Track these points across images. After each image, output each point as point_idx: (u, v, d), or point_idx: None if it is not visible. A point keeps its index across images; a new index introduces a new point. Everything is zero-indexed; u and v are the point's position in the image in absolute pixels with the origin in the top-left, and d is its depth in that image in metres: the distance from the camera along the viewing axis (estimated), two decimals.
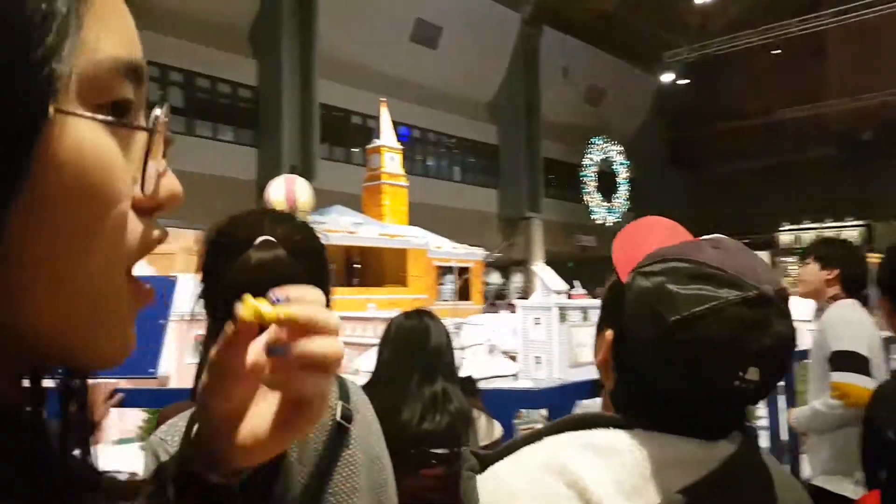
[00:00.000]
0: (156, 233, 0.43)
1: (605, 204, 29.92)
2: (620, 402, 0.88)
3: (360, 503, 1.11)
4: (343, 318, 11.83)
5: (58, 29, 0.32)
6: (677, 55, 28.64)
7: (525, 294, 19.07)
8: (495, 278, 23.34)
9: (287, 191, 13.81)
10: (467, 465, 0.84)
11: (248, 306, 0.48)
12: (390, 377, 1.94)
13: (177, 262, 11.70)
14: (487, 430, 1.97)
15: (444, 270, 17.87)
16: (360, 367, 9.44)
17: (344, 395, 1.16)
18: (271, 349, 0.48)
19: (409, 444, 1.80)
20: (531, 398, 2.81)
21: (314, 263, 1.10)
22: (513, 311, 11.11)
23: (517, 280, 25.19)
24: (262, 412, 0.50)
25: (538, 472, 0.77)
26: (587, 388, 2.29)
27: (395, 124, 19.02)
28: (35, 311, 0.35)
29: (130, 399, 2.11)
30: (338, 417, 1.11)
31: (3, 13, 0.29)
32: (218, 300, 1.04)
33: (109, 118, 0.36)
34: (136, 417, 5.77)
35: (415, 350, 1.95)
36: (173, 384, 7.47)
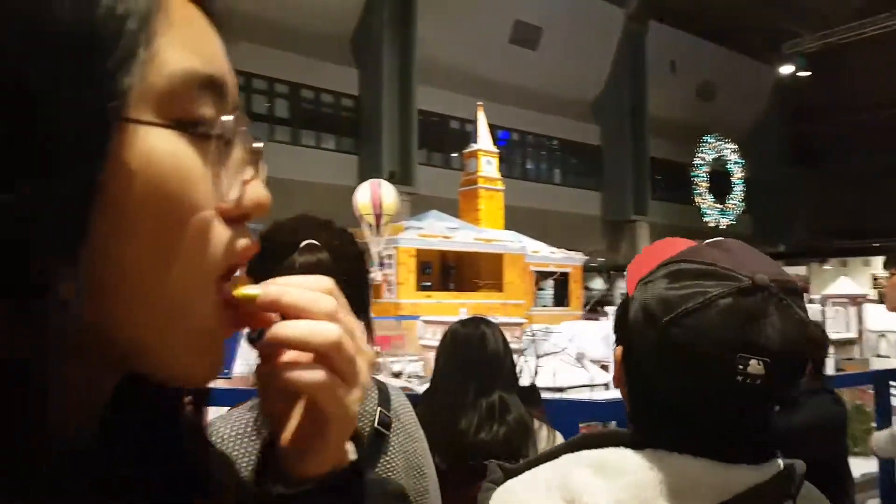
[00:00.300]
0: (244, 242, 0.42)
1: (718, 206, 28.56)
2: (634, 420, 0.86)
3: None
4: (435, 322, 11.84)
5: (127, 43, 0.34)
6: (797, 45, 26.92)
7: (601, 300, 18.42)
8: (598, 284, 22.68)
9: (373, 194, 14.05)
10: (491, 477, 0.84)
11: (237, 290, 0.42)
12: (447, 386, 1.89)
13: None
14: (548, 440, 1.87)
15: (542, 275, 17.52)
16: None
17: (384, 400, 1.16)
18: (250, 337, 0.45)
19: (466, 455, 1.75)
20: (596, 410, 2.62)
21: (353, 268, 1.12)
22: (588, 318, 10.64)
23: (622, 286, 24.37)
24: (293, 414, 0.46)
25: (544, 489, 0.78)
26: None
27: (494, 128, 18.89)
28: (119, 319, 0.36)
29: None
30: (376, 424, 1.12)
31: (75, 27, 0.31)
32: None
33: (171, 125, 0.37)
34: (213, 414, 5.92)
35: (471, 359, 1.87)
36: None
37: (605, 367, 7.70)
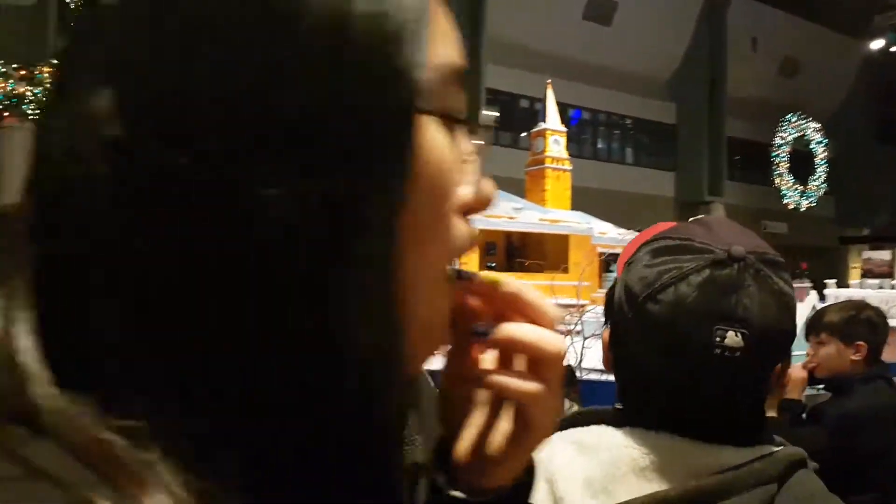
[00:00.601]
0: (472, 235, 0.40)
1: (799, 187, 27.31)
2: (620, 400, 0.86)
3: None
4: None
5: (417, 38, 0.35)
6: (890, 18, 25.24)
7: None
8: None
9: None
10: None
11: (487, 276, 0.42)
12: None
13: None
14: None
15: (611, 257, 17.22)
16: None
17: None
18: (476, 330, 0.42)
19: None
20: None
21: None
22: None
23: None
24: (501, 422, 0.43)
25: None
26: None
27: (565, 106, 18.59)
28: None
29: None
30: None
31: (374, 29, 0.33)
32: None
33: (445, 117, 0.37)
34: None
35: None
36: None
37: None
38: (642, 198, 23.71)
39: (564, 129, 17.87)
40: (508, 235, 16.77)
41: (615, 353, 0.86)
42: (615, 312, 0.82)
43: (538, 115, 19.08)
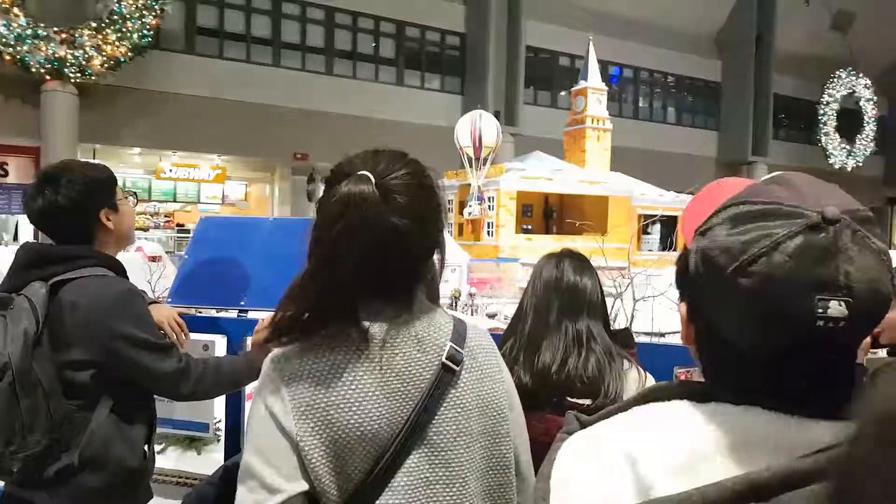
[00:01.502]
0: None
1: (846, 146, 26.45)
2: (706, 377, 0.81)
3: (469, 447, 1.13)
4: (533, 264, 11.77)
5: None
6: None
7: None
8: None
9: (472, 127, 13.89)
10: (566, 427, 0.83)
11: None
12: (531, 311, 1.91)
13: None
14: (639, 383, 1.82)
15: (650, 218, 16.95)
16: None
17: (457, 337, 1.16)
18: None
19: (550, 383, 1.78)
20: (689, 356, 2.44)
21: (413, 202, 1.11)
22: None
23: None
24: None
25: (606, 441, 0.76)
26: None
27: (605, 64, 18.17)
28: None
29: None
30: (444, 358, 1.13)
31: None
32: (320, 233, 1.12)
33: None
34: None
35: (552, 288, 1.88)
36: None
37: None
38: (684, 158, 23.21)
39: (606, 87, 17.46)
40: (546, 197, 16.59)
41: (697, 327, 0.81)
42: (696, 286, 0.77)
43: (578, 73, 18.66)
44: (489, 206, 14.88)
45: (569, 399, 1.78)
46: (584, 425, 0.82)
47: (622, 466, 0.71)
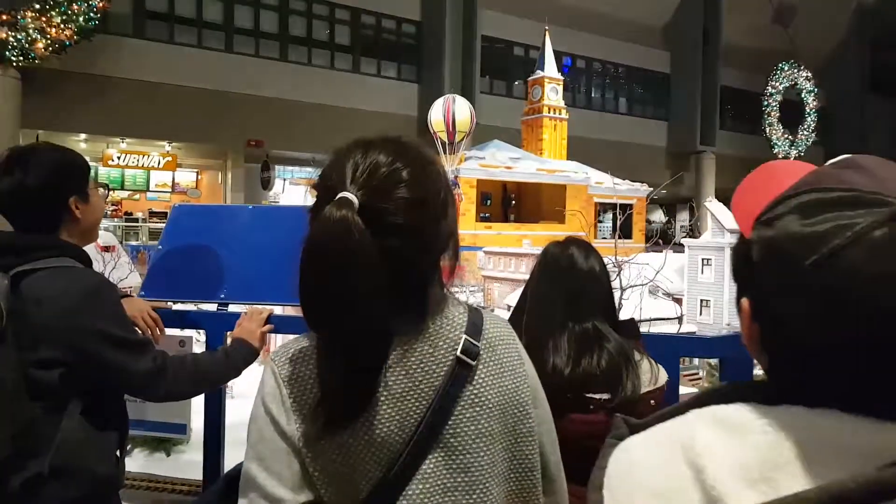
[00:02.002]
0: None
1: (789, 136, 27.30)
2: (772, 375, 0.74)
3: (489, 449, 1.03)
4: (497, 253, 11.87)
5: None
6: None
7: (691, 234, 17.97)
8: (658, 216, 22.24)
9: (445, 110, 13.84)
10: (615, 432, 0.77)
11: None
12: (534, 307, 1.78)
13: None
14: (651, 374, 1.72)
15: (604, 207, 17.24)
16: (512, 303, 9.41)
17: (472, 329, 1.06)
18: None
19: (561, 385, 1.63)
20: (700, 346, 2.39)
21: (417, 213, 1.00)
22: (675, 252, 10.44)
23: (683, 219, 23.88)
24: None
25: (666, 447, 0.69)
26: None
27: (558, 54, 18.31)
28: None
29: (282, 326, 2.06)
30: (458, 352, 1.03)
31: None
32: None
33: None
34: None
35: (559, 279, 1.75)
36: None
37: (678, 301, 7.63)
38: (635, 147, 23.65)
39: (562, 77, 17.65)
40: (504, 186, 16.71)
41: (763, 325, 0.74)
42: (763, 280, 0.70)
43: (534, 63, 18.80)
44: (457, 186, 14.71)
45: (586, 395, 1.68)
46: (633, 430, 0.77)
47: (686, 476, 0.65)
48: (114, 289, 1.77)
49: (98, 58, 14.81)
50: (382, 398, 0.98)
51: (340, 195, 0.96)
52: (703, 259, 8.01)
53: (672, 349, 2.03)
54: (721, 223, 8.07)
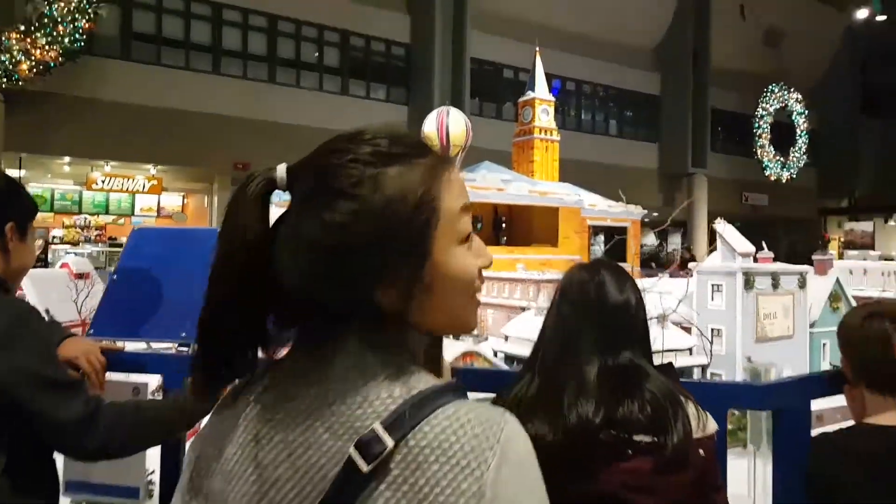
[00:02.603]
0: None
1: (780, 158, 27.32)
2: None
3: None
4: (491, 278, 11.57)
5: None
6: None
7: (685, 257, 17.79)
8: (650, 240, 22.06)
9: (439, 123, 13.54)
10: None
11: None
12: (556, 343, 1.47)
13: None
14: (699, 421, 1.42)
15: (596, 230, 17.02)
16: (509, 332, 9.07)
17: (393, 420, 0.67)
18: None
19: (596, 428, 1.33)
20: (750, 396, 1.95)
21: (368, 199, 0.71)
22: (675, 276, 10.17)
23: (674, 241, 23.73)
24: None
25: None
26: (824, 383, 1.71)
27: (548, 76, 18.22)
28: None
29: None
30: (351, 447, 0.66)
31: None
32: None
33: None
34: None
35: (586, 311, 1.46)
36: None
37: (686, 330, 7.29)
38: (625, 170, 23.54)
39: (553, 98, 17.54)
40: (495, 208, 16.49)
41: None
42: None
43: (524, 85, 18.71)
44: None
45: (627, 436, 1.36)
46: None
47: None
48: (40, 318, 1.49)
49: (83, 79, 14.58)
50: (251, 492, 0.69)
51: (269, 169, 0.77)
52: (713, 285, 7.73)
53: (719, 400, 1.69)
54: (732, 246, 7.80)
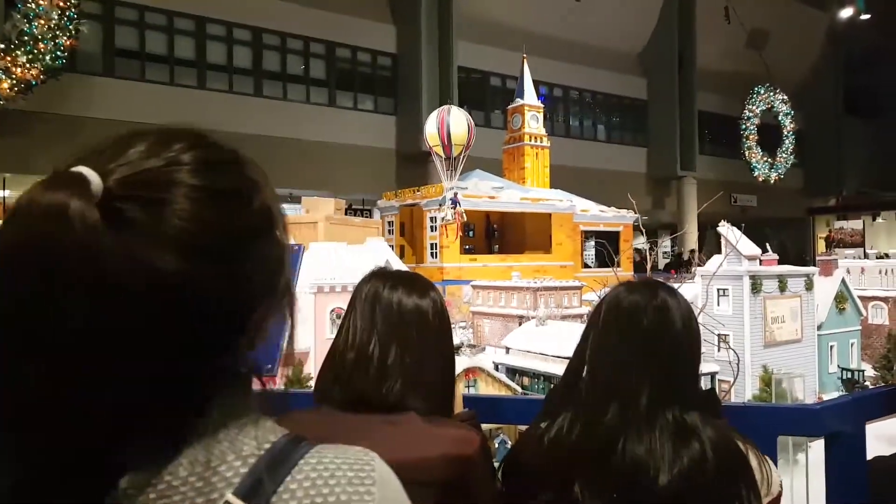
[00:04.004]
0: None
1: (768, 159, 27.41)
2: None
3: None
4: (486, 287, 11.46)
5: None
6: None
7: (676, 260, 17.78)
8: (639, 243, 22.07)
9: (440, 122, 13.38)
10: None
11: None
12: (600, 385, 1.23)
13: (319, 230, 11.80)
14: (762, 476, 1.19)
15: (588, 235, 16.97)
16: (511, 344, 8.91)
17: (248, 486, 0.57)
18: None
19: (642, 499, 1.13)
20: (799, 420, 1.71)
21: (206, 220, 0.58)
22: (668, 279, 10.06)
23: (665, 245, 23.71)
24: None
25: None
26: (879, 403, 1.58)
27: (535, 83, 18.21)
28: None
29: None
30: None
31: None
32: None
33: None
34: None
35: (639, 346, 1.21)
36: (312, 362, 7.41)
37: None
38: (615, 174, 23.54)
39: (542, 105, 17.51)
40: (487, 216, 16.40)
41: None
42: None
43: (511, 93, 18.68)
44: (452, 212, 13.77)
45: None
46: None
47: None
48: None
49: (67, 97, 14.38)
50: None
51: (70, 171, 0.57)
52: (718, 289, 7.60)
53: (767, 426, 1.53)
54: (737, 249, 7.68)
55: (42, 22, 13.26)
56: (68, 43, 13.56)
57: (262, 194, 0.66)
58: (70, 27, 13.54)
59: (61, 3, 13.29)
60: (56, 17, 13.30)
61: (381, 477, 0.62)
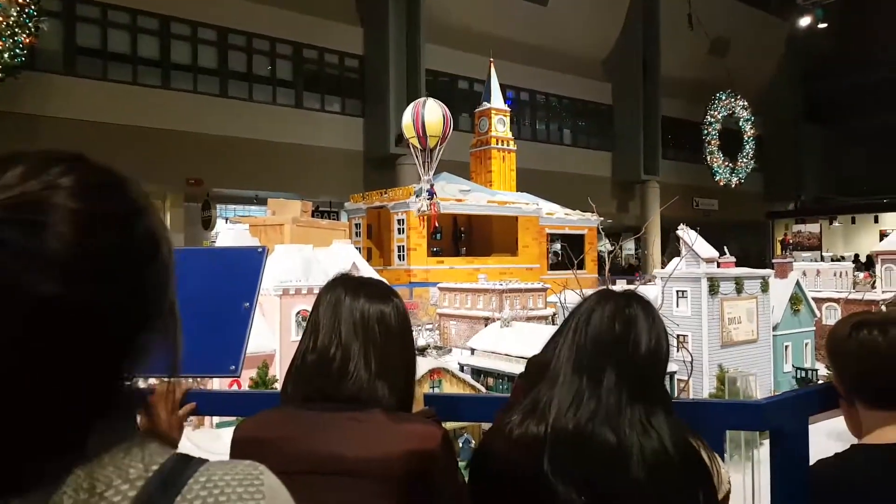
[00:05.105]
0: None
1: (729, 164, 28.00)
2: None
3: None
4: (452, 289, 11.51)
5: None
6: None
7: (638, 263, 18.05)
8: (604, 246, 22.37)
9: (414, 114, 13.42)
10: None
11: None
12: (571, 394, 1.24)
13: (285, 232, 11.74)
14: (714, 474, 1.25)
15: (554, 238, 17.15)
16: (476, 345, 8.98)
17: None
18: None
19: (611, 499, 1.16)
20: (744, 415, 1.77)
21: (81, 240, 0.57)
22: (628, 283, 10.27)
23: (628, 247, 24.07)
24: None
25: None
26: (820, 399, 1.60)
27: (503, 87, 18.34)
28: None
29: (205, 406, 1.63)
30: None
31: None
32: None
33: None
34: None
35: (608, 355, 1.25)
36: (277, 365, 7.37)
37: None
38: (581, 178, 23.82)
39: (509, 109, 17.64)
40: (455, 219, 16.46)
41: None
42: None
43: (478, 96, 18.79)
44: (428, 204, 13.64)
45: None
46: None
47: None
48: None
49: (25, 96, 14.07)
50: None
51: None
52: (677, 291, 7.76)
53: (715, 421, 1.56)
54: (696, 251, 7.85)
55: (0, 19, 12.97)
56: (27, 40, 13.27)
57: (146, 217, 0.64)
58: (30, 24, 13.26)
59: (20, 0, 13.00)
60: (15, 13, 13.01)
61: (269, 490, 0.63)
